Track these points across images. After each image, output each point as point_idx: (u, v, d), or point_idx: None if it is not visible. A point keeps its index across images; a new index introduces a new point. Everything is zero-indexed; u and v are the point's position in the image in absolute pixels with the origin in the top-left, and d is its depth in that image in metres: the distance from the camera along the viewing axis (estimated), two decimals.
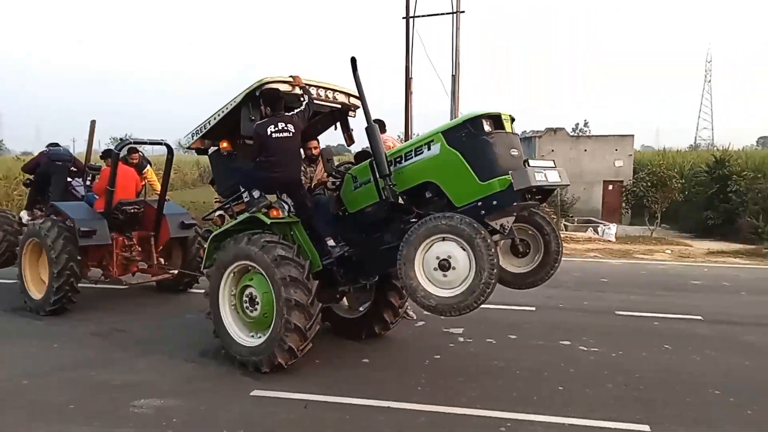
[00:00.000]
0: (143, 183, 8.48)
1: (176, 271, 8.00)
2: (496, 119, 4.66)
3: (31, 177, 8.67)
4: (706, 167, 19.86)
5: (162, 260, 8.08)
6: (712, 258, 12.75)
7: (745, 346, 6.30)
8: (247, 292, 5.31)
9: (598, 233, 16.24)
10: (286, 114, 5.30)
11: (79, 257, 7.05)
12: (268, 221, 5.22)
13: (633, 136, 22.18)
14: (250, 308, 5.30)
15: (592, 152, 21.70)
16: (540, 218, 5.32)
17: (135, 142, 8.29)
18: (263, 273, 5.09)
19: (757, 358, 5.90)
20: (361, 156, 6.04)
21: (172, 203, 8.33)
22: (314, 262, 5.28)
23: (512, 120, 4.85)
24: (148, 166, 9.30)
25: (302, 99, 5.44)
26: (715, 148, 25.17)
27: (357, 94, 5.51)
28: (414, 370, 5.45)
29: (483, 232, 4.24)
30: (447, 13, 16.97)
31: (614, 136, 22.37)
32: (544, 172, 4.54)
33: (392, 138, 6.75)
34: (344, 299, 6.38)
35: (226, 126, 5.53)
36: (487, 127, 4.57)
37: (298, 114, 5.36)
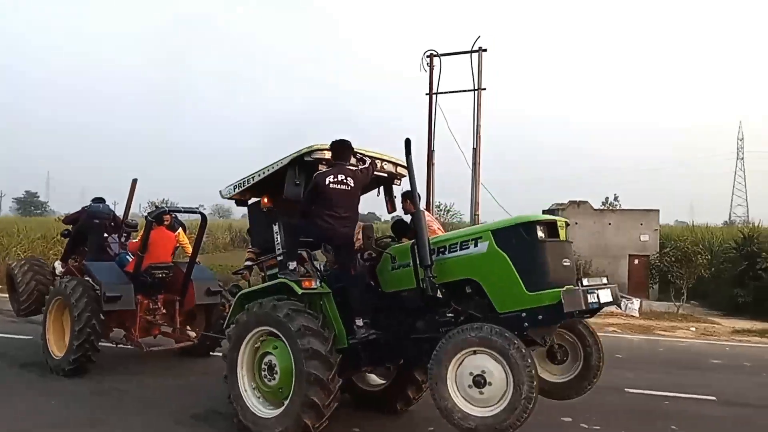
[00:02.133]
0: (176, 246, 8.53)
1: (197, 336, 7.88)
2: (550, 226, 4.48)
3: (70, 228, 8.76)
4: (735, 243, 19.32)
5: (185, 325, 8.01)
6: (737, 336, 12.18)
7: (757, 429, 5.92)
8: (266, 359, 5.09)
9: (621, 308, 15.74)
10: (349, 167, 5.18)
11: (102, 316, 7.02)
12: (299, 291, 4.94)
13: (658, 210, 21.83)
14: (268, 377, 5.07)
15: (617, 226, 21.37)
16: (582, 327, 5.01)
17: (171, 210, 8.34)
18: (285, 342, 4.87)
19: None
20: (397, 226, 6.09)
21: (202, 267, 8.32)
22: (340, 339, 4.98)
23: (566, 225, 4.68)
24: (180, 229, 9.30)
25: (364, 162, 5.34)
26: (749, 225, 24.53)
27: (404, 164, 5.56)
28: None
29: (516, 341, 4.01)
30: (468, 90, 17.49)
31: (639, 210, 22.08)
32: (597, 292, 4.29)
33: (432, 218, 6.54)
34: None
35: (268, 184, 5.47)
36: (540, 234, 4.36)
37: (362, 170, 5.24)
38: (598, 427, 5.77)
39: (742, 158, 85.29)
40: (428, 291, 4.60)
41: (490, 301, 4.45)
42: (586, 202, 21.82)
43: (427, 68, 17.75)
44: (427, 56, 17.77)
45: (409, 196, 5.89)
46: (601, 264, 19.75)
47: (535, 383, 3.95)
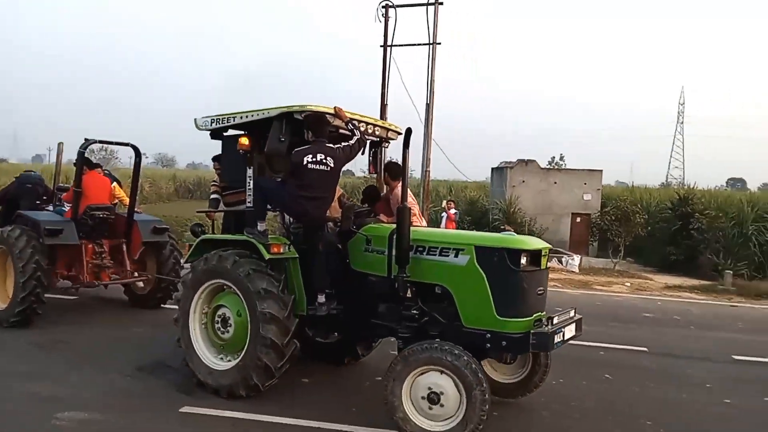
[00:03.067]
0: (114, 202, 8.24)
1: (149, 276, 7.79)
2: (534, 255, 4.41)
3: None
4: (670, 204, 20.22)
5: (135, 270, 7.85)
6: (668, 292, 12.90)
7: (684, 378, 6.33)
8: (220, 311, 5.04)
9: (561, 263, 16.35)
10: (329, 145, 4.94)
11: (47, 266, 6.80)
12: (267, 256, 4.82)
13: (601, 171, 22.50)
14: (221, 329, 5.03)
15: (562, 185, 21.93)
16: None
17: (100, 142, 8.01)
18: (243, 301, 4.82)
19: (693, 391, 5.93)
20: (369, 191, 6.02)
21: (144, 214, 8.14)
22: (299, 304, 4.95)
23: (549, 252, 4.63)
24: (114, 183, 8.99)
25: (351, 133, 5.08)
26: (685, 187, 25.65)
27: (396, 129, 5.47)
28: (353, 392, 5.38)
29: (485, 385, 4.03)
30: (423, 44, 17.25)
31: (584, 170, 22.69)
32: (563, 331, 4.35)
33: (413, 201, 6.15)
34: None
35: (249, 128, 5.20)
36: (523, 261, 4.29)
37: (345, 148, 4.98)
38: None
39: (682, 122, 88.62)
40: (399, 291, 4.57)
41: (457, 311, 4.45)
42: (534, 161, 22.23)
43: (383, 19, 17.40)
44: (383, 6, 17.39)
45: (396, 166, 5.80)
46: (546, 221, 20.34)
47: (480, 426, 4.02)
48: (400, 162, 5.74)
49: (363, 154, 5.84)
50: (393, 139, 5.84)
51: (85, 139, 7.46)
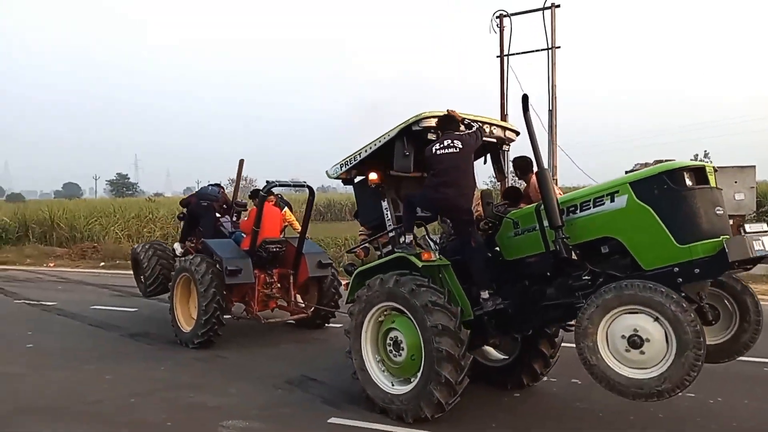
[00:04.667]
0: (284, 225, 8.90)
1: (310, 309, 8.22)
2: (698, 172, 4.09)
3: (184, 211, 9.30)
4: None
5: (299, 297, 8.38)
6: None
7: None
8: (391, 335, 5.01)
9: None
10: (455, 132, 4.97)
11: (224, 292, 7.41)
12: (420, 264, 4.82)
13: (754, 167, 20.33)
14: (394, 353, 4.99)
15: None
16: (735, 282, 4.54)
17: (280, 185, 8.42)
18: (411, 318, 4.78)
19: None
20: (510, 193, 5.93)
21: (310, 242, 8.62)
22: (465, 311, 4.82)
23: (714, 171, 4.24)
24: (286, 207, 9.61)
25: (470, 128, 5.09)
26: None
27: (513, 128, 5.35)
28: (492, 407, 5.34)
29: (702, 350, 3.63)
30: (542, 50, 16.87)
31: (733, 167, 20.68)
32: (762, 240, 3.89)
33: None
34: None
35: (374, 159, 5.36)
36: (688, 181, 4.00)
37: (469, 134, 4.99)
38: (693, 394, 5.56)
39: None
40: (562, 253, 4.33)
41: (633, 259, 4.15)
42: (673, 160, 20.65)
43: (497, 29, 17.27)
44: (497, 17, 17.27)
45: (522, 161, 5.75)
46: None
47: (702, 342, 3.62)
48: (524, 155, 5.68)
49: (485, 163, 5.89)
50: (512, 140, 5.69)
51: (267, 182, 8.08)
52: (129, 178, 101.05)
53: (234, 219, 9.03)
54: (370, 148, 5.29)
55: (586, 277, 4.36)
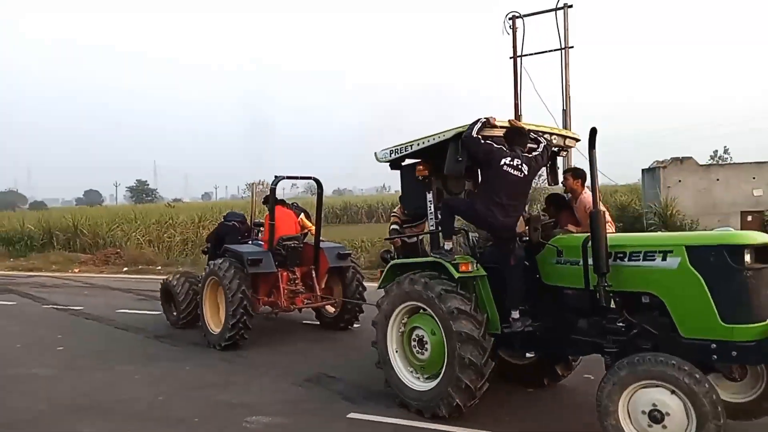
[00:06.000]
0: (304, 231, 9.05)
1: (340, 300, 8.50)
2: (761, 250, 3.92)
3: (208, 246, 9.42)
4: None
5: (328, 306, 8.61)
6: None
7: None
8: (416, 333, 5.14)
9: None
10: (525, 154, 4.90)
11: (250, 292, 7.61)
12: (457, 275, 4.85)
13: None
14: (418, 350, 5.13)
15: (726, 181, 20.04)
16: None
17: (288, 178, 8.54)
18: (437, 321, 4.89)
19: None
20: (553, 199, 5.99)
21: (328, 242, 8.86)
22: (492, 323, 4.91)
23: None
24: (302, 214, 9.52)
25: (537, 144, 5.05)
26: None
27: (573, 136, 5.36)
28: (506, 401, 5.52)
29: (722, 420, 3.62)
30: (555, 50, 16.98)
31: (751, 163, 20.55)
32: None
33: (603, 208, 6.34)
34: None
35: (426, 153, 5.37)
36: (747, 259, 3.85)
37: (537, 157, 4.92)
38: None
39: None
40: (601, 301, 4.30)
41: (672, 321, 4.11)
42: (690, 158, 20.58)
43: (510, 31, 17.41)
44: (510, 18, 17.41)
45: (577, 175, 5.76)
46: (710, 223, 18.68)
47: (721, 412, 3.62)
48: (582, 167, 5.68)
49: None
50: (571, 147, 5.66)
51: (275, 176, 8.29)
52: (148, 184, 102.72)
53: (255, 238, 9.14)
54: (424, 142, 5.24)
55: (621, 324, 4.34)
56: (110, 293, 13.13)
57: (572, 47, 16.73)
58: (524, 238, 5.14)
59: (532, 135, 5.05)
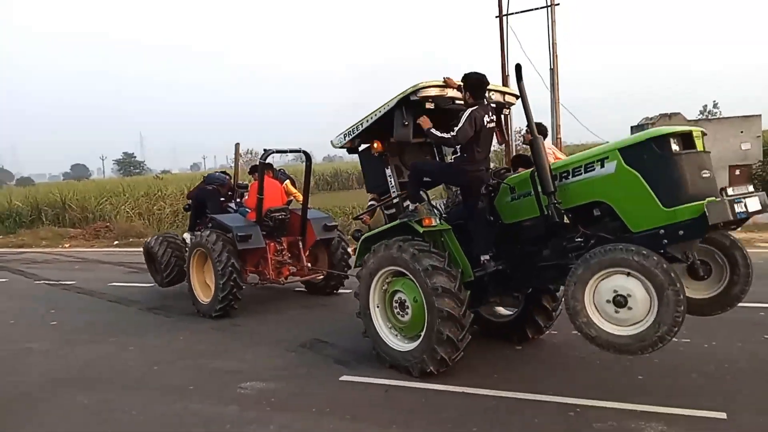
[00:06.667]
0: (289, 199, 9.10)
1: (325, 271, 8.62)
2: (685, 137, 4.25)
3: (190, 203, 9.62)
4: None
5: (310, 264, 8.68)
6: None
7: None
8: (396, 296, 5.33)
9: None
10: (486, 104, 5.16)
11: (239, 264, 7.71)
12: (421, 230, 5.13)
13: (760, 116, 20.25)
14: (400, 313, 5.33)
15: (714, 136, 19.96)
16: (724, 239, 4.70)
17: (277, 152, 8.62)
18: (414, 281, 5.08)
19: None
20: (517, 161, 6.12)
21: (313, 210, 8.89)
22: (466, 272, 5.14)
23: (703, 135, 4.40)
24: (287, 180, 9.62)
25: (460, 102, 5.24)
26: None
27: (512, 92, 5.50)
28: (494, 359, 5.66)
29: (678, 284, 3.87)
30: (541, 8, 16.77)
31: (738, 117, 20.58)
32: (744, 201, 4.07)
33: (553, 148, 6.53)
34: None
35: (377, 128, 5.57)
36: (674, 147, 4.18)
37: (493, 107, 5.24)
38: (688, 340, 5.86)
39: None
40: (554, 218, 4.60)
41: (622, 222, 4.38)
42: (678, 113, 20.58)
43: None
44: None
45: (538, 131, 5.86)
46: None
47: (676, 329, 3.89)
48: (538, 122, 5.68)
49: None
50: (512, 104, 5.84)
51: (264, 150, 8.32)
52: (135, 157, 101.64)
53: (238, 200, 9.25)
54: (371, 118, 5.51)
55: (579, 239, 4.61)
56: (101, 267, 13.18)
57: (558, 4, 16.55)
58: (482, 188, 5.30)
59: (450, 96, 5.19)
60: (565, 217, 4.70)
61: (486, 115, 5.04)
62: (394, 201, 5.70)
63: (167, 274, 9.05)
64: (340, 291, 8.81)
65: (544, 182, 4.61)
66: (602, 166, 4.44)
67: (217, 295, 7.60)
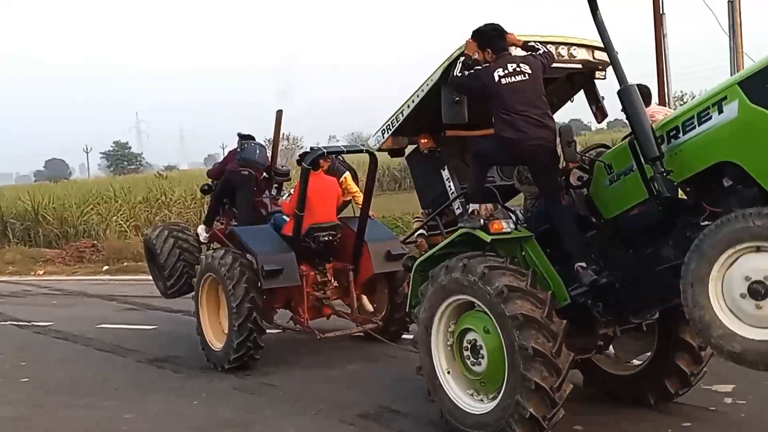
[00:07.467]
0: (347, 199, 9.28)
1: (381, 317, 8.55)
2: None
3: (211, 183, 9.75)
4: None
5: (365, 299, 8.70)
6: None
7: None
8: (467, 337, 5.37)
9: None
10: (518, 54, 5.34)
11: (263, 300, 7.81)
12: (488, 238, 5.20)
13: None
14: (472, 360, 5.34)
15: None
16: None
17: (329, 152, 8.68)
18: (486, 311, 5.11)
19: None
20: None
21: (376, 223, 8.96)
22: (558, 294, 5.18)
23: None
24: (347, 173, 9.80)
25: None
26: None
27: (601, 45, 5.44)
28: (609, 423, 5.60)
29: None
30: None
31: None
32: None
33: (663, 109, 6.60)
34: (610, 347, 6.08)
35: (424, 117, 5.74)
36: None
37: (534, 56, 5.35)
38: None
39: None
40: (664, 193, 4.63)
41: (760, 188, 4.23)
42: None
43: None
44: None
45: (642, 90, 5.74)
46: None
47: None
48: (641, 83, 5.81)
49: (572, 101, 6.21)
50: (607, 64, 5.60)
51: (311, 149, 8.33)
52: (130, 148, 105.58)
53: (273, 193, 9.37)
54: (411, 103, 5.65)
55: (707, 223, 4.41)
56: (86, 302, 13.70)
57: None
58: (571, 180, 5.41)
59: (530, 43, 5.39)
60: (681, 192, 4.72)
61: (500, 69, 5.14)
62: (456, 210, 5.72)
63: (173, 283, 9.23)
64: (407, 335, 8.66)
65: (644, 145, 4.59)
66: (720, 111, 4.34)
67: (231, 340, 7.72)
